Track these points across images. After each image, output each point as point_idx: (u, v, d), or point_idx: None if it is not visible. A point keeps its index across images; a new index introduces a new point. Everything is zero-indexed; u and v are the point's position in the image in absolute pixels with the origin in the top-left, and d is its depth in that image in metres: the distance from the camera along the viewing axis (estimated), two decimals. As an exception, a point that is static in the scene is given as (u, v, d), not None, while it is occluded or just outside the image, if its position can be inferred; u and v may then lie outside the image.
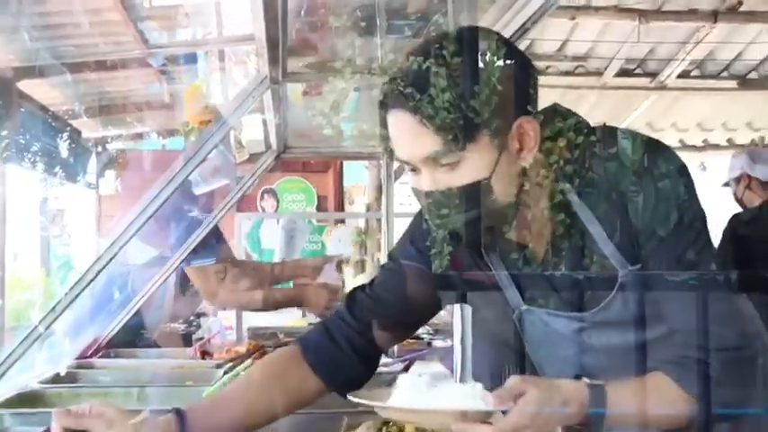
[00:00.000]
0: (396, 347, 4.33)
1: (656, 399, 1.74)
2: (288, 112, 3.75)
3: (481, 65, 1.65)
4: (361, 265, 5.52)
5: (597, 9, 7.54)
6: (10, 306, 6.11)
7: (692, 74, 9.13)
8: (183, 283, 4.73)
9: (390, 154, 1.79)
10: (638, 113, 9.35)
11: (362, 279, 4.79)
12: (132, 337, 4.42)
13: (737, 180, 4.63)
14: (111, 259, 2.80)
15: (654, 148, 1.76)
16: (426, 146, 1.65)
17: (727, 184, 4.75)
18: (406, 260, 2.06)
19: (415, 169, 1.73)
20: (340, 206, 10.73)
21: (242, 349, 3.87)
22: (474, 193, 1.68)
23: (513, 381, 1.67)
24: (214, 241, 4.47)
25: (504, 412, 1.61)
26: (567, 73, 8.70)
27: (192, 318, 5.26)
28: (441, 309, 2.17)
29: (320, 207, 10.81)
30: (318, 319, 4.18)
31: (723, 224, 4.53)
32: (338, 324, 2.06)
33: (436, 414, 1.65)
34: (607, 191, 1.71)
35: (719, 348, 1.68)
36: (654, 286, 1.71)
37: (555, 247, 1.81)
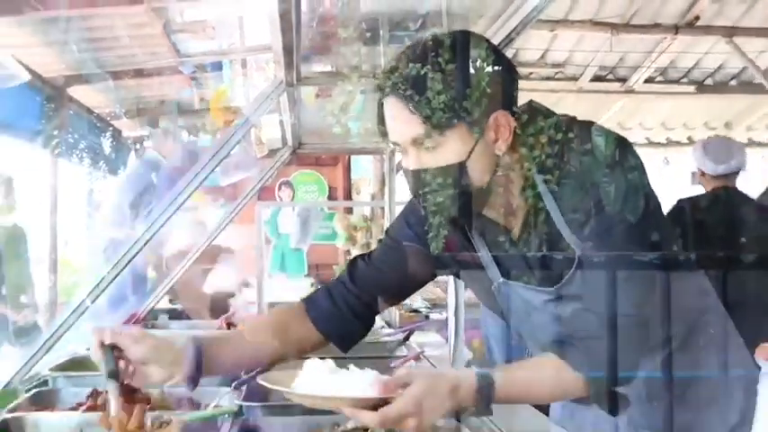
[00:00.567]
0: (397, 320, 4.34)
1: (545, 377, 1.74)
2: (302, 113, 3.74)
3: (463, 64, 1.67)
4: (367, 248, 5.51)
5: (574, 22, 7.61)
6: (61, 284, 6.12)
7: (656, 79, 9.18)
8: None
9: (385, 136, 1.80)
10: (610, 114, 9.37)
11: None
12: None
13: (696, 171, 4.62)
14: (146, 242, 2.79)
15: (623, 144, 1.74)
16: (413, 129, 1.68)
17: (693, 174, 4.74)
18: (400, 237, 2.07)
19: (404, 151, 1.76)
20: (348, 196, 10.73)
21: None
22: (451, 174, 1.70)
23: (402, 371, 1.67)
24: None
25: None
26: (547, 78, 8.74)
27: (218, 292, 5.25)
28: (429, 280, 2.18)
29: (331, 197, 10.80)
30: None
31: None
32: (339, 287, 2.08)
33: (331, 400, 1.64)
34: (582, 181, 1.69)
35: (615, 324, 1.68)
36: (605, 265, 1.70)
37: (525, 228, 1.81)
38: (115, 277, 2.78)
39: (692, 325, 1.88)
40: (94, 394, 2.28)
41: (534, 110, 1.81)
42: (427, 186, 1.73)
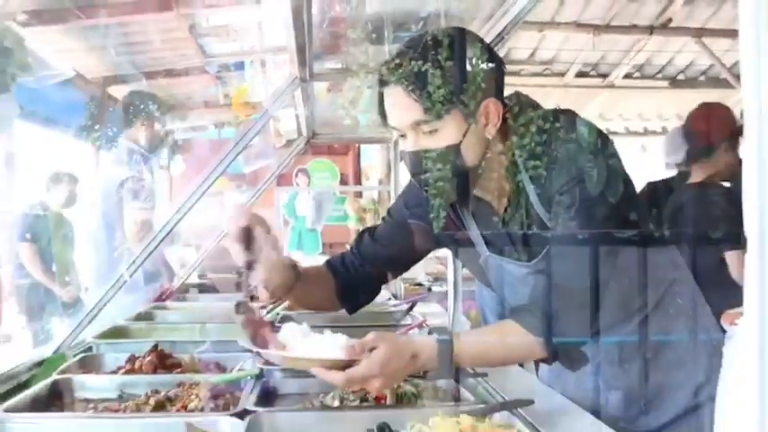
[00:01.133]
0: (402, 292, 4.33)
1: (502, 341, 1.73)
2: (315, 106, 3.73)
3: (458, 57, 1.66)
4: (375, 228, 5.50)
5: (560, 24, 7.66)
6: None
7: (634, 75, 9.20)
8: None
9: (385, 121, 1.79)
10: (593, 106, 9.36)
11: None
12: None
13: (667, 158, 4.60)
14: (177, 223, 2.80)
15: (602, 133, 1.74)
16: (412, 114, 1.68)
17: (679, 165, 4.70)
18: (399, 216, 2.09)
19: (403, 135, 1.75)
20: (358, 181, 10.72)
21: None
22: (446, 155, 1.70)
23: (369, 336, 1.67)
24: None
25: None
26: (536, 74, 8.75)
27: (242, 270, 5.24)
28: (425, 255, 2.19)
29: (342, 182, 10.78)
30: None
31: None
32: (349, 257, 2.11)
33: (301, 360, 1.63)
34: (565, 166, 1.68)
35: (574, 291, 1.68)
36: (579, 243, 1.69)
37: (511, 208, 1.81)
38: (149, 255, 2.79)
39: (662, 294, 1.87)
40: (132, 359, 2.29)
41: (522, 101, 1.81)
42: (424, 166, 1.72)
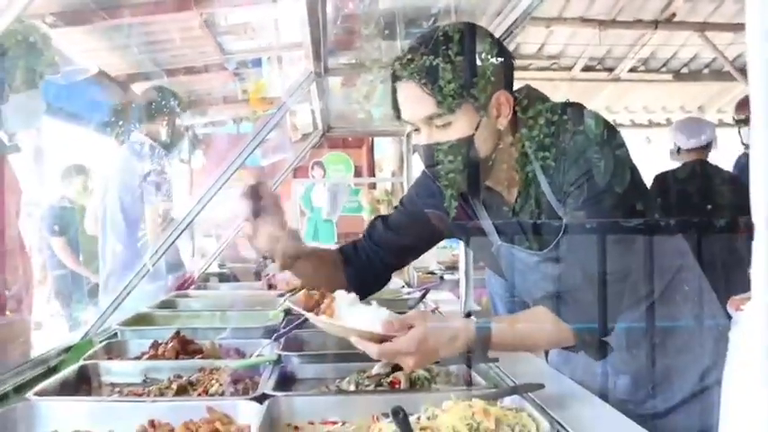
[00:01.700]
0: (415, 280, 4.33)
1: (536, 328, 1.72)
2: (330, 101, 3.72)
3: (469, 52, 1.64)
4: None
5: (566, 19, 7.63)
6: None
7: (639, 69, 9.16)
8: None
9: (398, 115, 1.77)
10: (599, 100, 9.33)
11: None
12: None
13: (674, 147, 4.58)
14: (197, 215, 2.80)
15: (610, 125, 1.72)
16: (425, 108, 1.66)
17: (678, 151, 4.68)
18: (411, 206, 2.07)
19: (417, 128, 1.73)
20: (372, 173, 10.71)
21: (298, 283, 3.85)
22: (459, 147, 1.68)
23: (411, 313, 1.65)
24: None
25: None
26: (544, 68, 8.73)
27: (260, 259, 5.26)
28: (435, 243, 2.18)
29: (357, 174, 10.78)
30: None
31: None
32: (362, 244, 2.10)
33: (342, 328, 1.62)
34: (575, 158, 1.67)
35: (598, 282, 1.66)
36: (590, 231, 1.67)
37: (522, 198, 1.79)
38: (170, 245, 2.80)
39: (669, 282, 1.86)
40: (155, 345, 2.29)
41: (531, 94, 1.79)
42: (438, 159, 1.71)
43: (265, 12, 5.22)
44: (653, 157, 5.06)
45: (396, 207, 2.17)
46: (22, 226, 3.01)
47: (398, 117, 1.77)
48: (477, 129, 1.67)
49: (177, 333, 2.35)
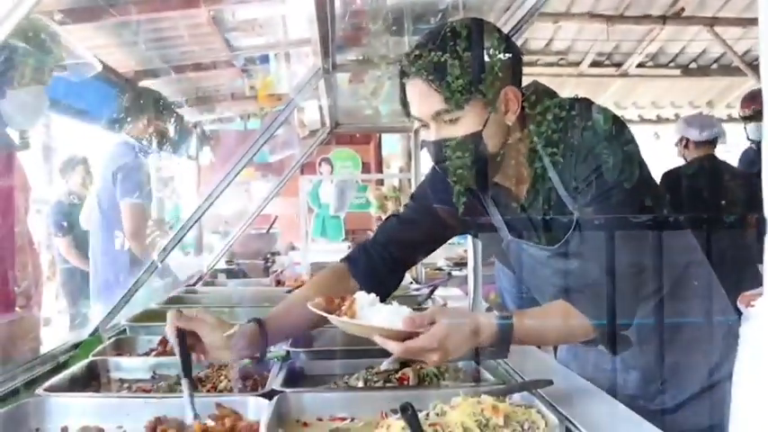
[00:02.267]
0: (423, 276, 4.33)
1: (557, 322, 1.71)
2: (337, 97, 3.72)
3: (477, 48, 1.64)
4: (396, 214, 5.50)
5: (574, 15, 7.62)
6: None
7: (647, 64, 9.14)
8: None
9: (407, 112, 1.76)
10: (607, 95, 9.31)
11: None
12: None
13: (679, 141, 4.57)
14: (205, 211, 2.81)
15: (618, 120, 1.71)
16: (434, 105, 1.65)
17: (676, 144, 4.68)
18: (423, 201, 2.04)
19: (425, 125, 1.73)
20: (379, 169, 10.70)
21: (306, 279, 3.87)
22: (468, 143, 1.68)
23: (432, 309, 1.64)
24: None
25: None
26: (552, 64, 8.72)
27: (268, 255, 5.28)
28: (449, 238, 2.15)
29: (364, 170, 10.77)
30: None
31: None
32: (374, 245, 2.04)
33: (365, 327, 1.60)
34: (585, 153, 1.66)
35: (613, 276, 1.64)
36: (601, 227, 1.66)
37: (532, 194, 1.79)
38: (178, 242, 2.80)
39: (678, 277, 1.85)
40: (164, 341, 2.30)
41: (539, 90, 1.78)
42: (446, 155, 1.70)
43: (273, 8, 5.22)
44: (661, 153, 5.04)
45: (406, 204, 2.16)
46: (31, 222, 3.02)
47: (407, 114, 1.76)
48: (485, 125, 1.67)
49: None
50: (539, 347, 2.17)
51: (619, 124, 1.70)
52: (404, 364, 1.89)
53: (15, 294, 2.70)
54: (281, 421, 1.62)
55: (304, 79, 2.95)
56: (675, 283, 1.85)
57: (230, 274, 4.62)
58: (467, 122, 1.66)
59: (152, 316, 2.89)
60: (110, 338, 2.43)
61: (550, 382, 1.71)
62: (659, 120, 10.18)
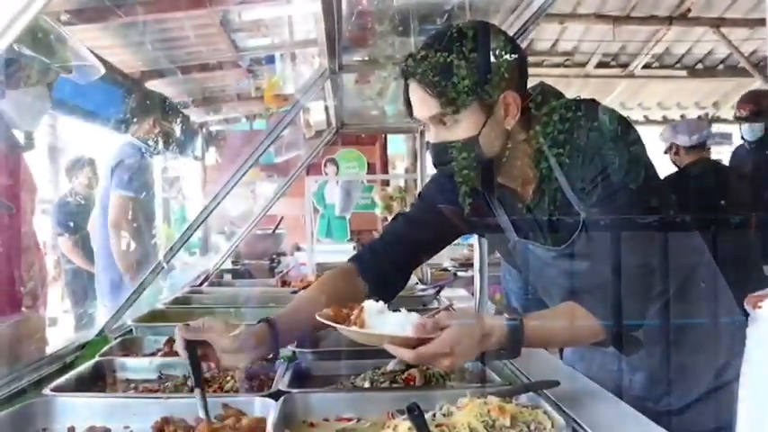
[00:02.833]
0: (429, 277, 4.33)
1: (567, 324, 1.70)
2: (344, 97, 3.72)
3: (475, 52, 1.64)
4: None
5: (580, 16, 7.62)
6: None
7: (653, 65, 9.14)
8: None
9: (411, 113, 1.77)
10: (613, 96, 9.31)
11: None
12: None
13: (669, 149, 4.59)
14: (211, 212, 2.81)
15: (624, 121, 1.71)
16: (431, 108, 1.67)
17: (666, 152, 4.68)
18: (431, 201, 2.04)
19: (426, 126, 1.75)
20: (385, 170, 10.69)
21: (312, 279, 3.87)
22: (465, 147, 1.69)
23: (440, 314, 1.64)
24: None
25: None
26: (558, 65, 8.72)
27: (274, 256, 5.29)
28: (455, 238, 2.16)
29: (370, 171, 10.76)
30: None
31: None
32: (382, 245, 2.06)
33: (375, 336, 1.59)
34: (590, 155, 1.66)
35: (621, 277, 1.64)
36: (608, 228, 1.66)
37: (538, 195, 1.78)
38: (184, 242, 2.81)
39: (685, 279, 1.85)
40: (170, 342, 2.30)
41: (546, 91, 1.78)
42: (445, 157, 1.72)
43: (279, 9, 5.23)
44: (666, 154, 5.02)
45: (412, 204, 2.16)
46: (37, 223, 3.03)
47: (410, 114, 1.77)
48: (482, 129, 1.67)
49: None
50: (545, 349, 2.17)
51: (625, 125, 1.69)
52: (410, 364, 1.89)
53: (22, 294, 2.71)
54: (288, 422, 1.62)
55: (310, 80, 2.95)
56: (682, 284, 1.85)
57: (236, 274, 4.62)
58: (463, 126, 1.67)
59: (158, 316, 2.90)
60: (116, 339, 2.44)
61: (557, 383, 1.70)
62: (665, 121, 10.18)
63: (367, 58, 3.11)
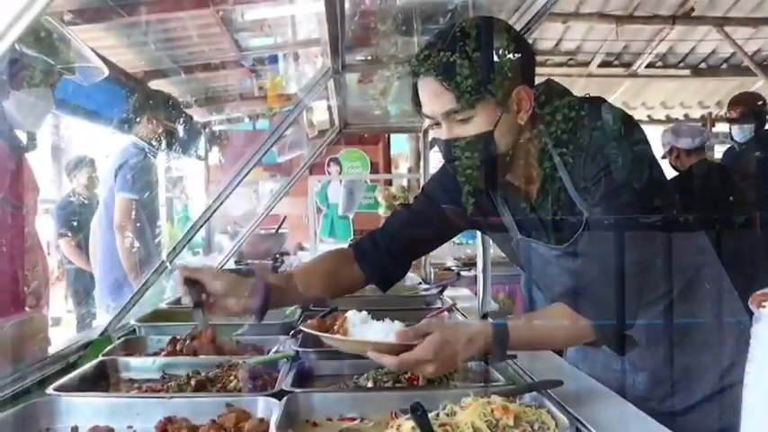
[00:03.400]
0: (432, 277, 4.33)
1: (555, 325, 1.70)
2: (347, 97, 3.71)
3: (490, 47, 1.64)
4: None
5: (583, 15, 7.60)
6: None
7: (656, 64, 9.13)
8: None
9: (419, 111, 1.77)
10: (616, 95, 9.29)
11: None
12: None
13: (669, 152, 4.60)
14: (214, 211, 2.81)
15: (628, 120, 1.71)
16: (446, 104, 1.66)
17: (664, 157, 4.68)
18: (433, 196, 2.05)
19: (437, 123, 1.73)
20: (388, 170, 10.68)
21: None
22: (480, 142, 1.68)
23: (423, 321, 1.65)
24: None
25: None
26: (561, 64, 8.71)
27: (277, 255, 5.29)
28: (456, 234, 2.17)
29: (373, 171, 10.75)
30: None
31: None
32: (382, 235, 2.08)
33: (358, 343, 1.62)
34: (594, 154, 1.66)
35: (617, 277, 1.65)
36: (611, 227, 1.66)
37: (542, 193, 1.78)
38: (188, 242, 2.81)
39: (690, 279, 1.84)
40: (174, 341, 2.30)
41: (551, 89, 1.78)
42: (458, 154, 1.70)
43: (282, 8, 5.23)
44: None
45: (416, 197, 2.16)
46: (39, 223, 3.04)
47: (419, 112, 1.76)
48: (497, 124, 1.67)
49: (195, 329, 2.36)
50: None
51: (629, 124, 1.69)
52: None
53: (25, 294, 2.71)
54: (291, 421, 1.62)
55: (313, 79, 2.95)
56: (687, 284, 1.84)
57: (239, 274, 4.62)
58: (479, 122, 1.66)
59: (161, 316, 2.90)
60: (119, 338, 2.44)
61: (560, 383, 1.70)
62: (669, 120, 10.16)
63: (370, 58, 3.11)
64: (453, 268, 5.30)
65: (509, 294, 5.13)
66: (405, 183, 9.45)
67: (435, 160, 4.80)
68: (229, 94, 7.36)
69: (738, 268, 2.00)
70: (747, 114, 4.76)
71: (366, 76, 3.35)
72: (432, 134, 1.81)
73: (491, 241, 2.53)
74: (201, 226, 2.86)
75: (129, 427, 1.64)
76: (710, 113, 10.02)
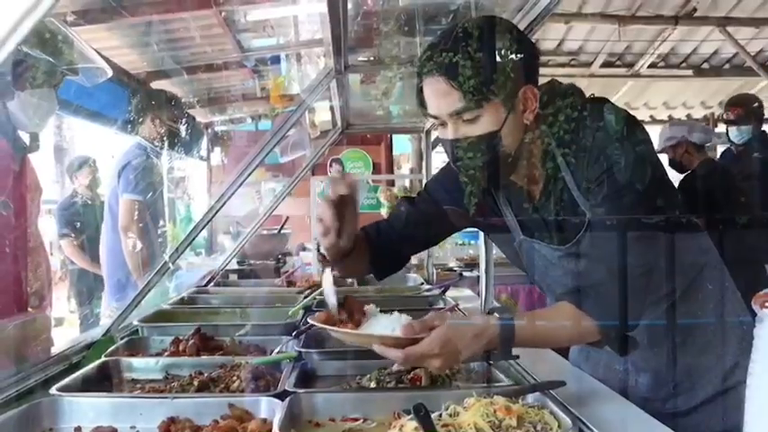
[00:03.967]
0: (435, 277, 4.33)
1: (560, 324, 1.70)
2: (349, 97, 3.71)
3: (496, 47, 1.63)
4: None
5: (586, 15, 7.60)
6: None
7: (659, 65, 9.12)
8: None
9: (424, 112, 1.76)
10: (619, 96, 9.29)
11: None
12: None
13: (676, 146, 4.57)
14: (216, 212, 2.81)
15: (631, 120, 1.71)
16: (453, 103, 1.65)
17: (662, 151, 4.66)
18: (435, 194, 2.06)
19: (443, 123, 1.72)
20: (390, 170, 10.68)
21: (318, 279, 3.87)
22: (486, 142, 1.68)
23: (430, 315, 1.66)
24: None
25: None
26: (563, 65, 8.71)
27: (279, 256, 5.29)
28: (454, 232, 2.18)
29: (375, 171, 10.75)
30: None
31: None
32: (384, 225, 2.10)
33: (364, 337, 1.62)
34: (596, 154, 1.66)
35: (621, 278, 1.64)
36: (613, 227, 1.66)
37: (545, 194, 1.78)
38: (190, 242, 2.81)
39: (692, 279, 1.84)
40: (176, 342, 2.31)
41: (555, 90, 1.77)
42: (464, 154, 1.70)
43: (285, 9, 5.23)
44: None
45: (419, 192, 2.16)
46: (42, 223, 3.04)
47: (425, 112, 1.76)
48: (504, 123, 1.67)
49: (198, 330, 2.36)
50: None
51: (632, 124, 1.69)
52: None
53: (28, 295, 2.71)
54: (294, 422, 1.62)
55: (315, 80, 2.95)
56: (689, 285, 1.84)
57: (241, 274, 4.62)
58: (485, 121, 1.66)
59: (164, 316, 2.90)
60: (122, 339, 2.44)
61: (563, 383, 1.70)
62: (671, 121, 10.16)
63: (372, 59, 3.10)
64: (456, 269, 5.31)
65: (511, 295, 5.13)
66: (407, 183, 9.44)
67: (438, 161, 4.80)
68: (232, 94, 7.36)
69: (741, 269, 2.00)
70: (744, 116, 4.76)
71: (368, 76, 3.35)
72: (436, 135, 1.80)
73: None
74: (204, 226, 2.86)
75: (132, 427, 1.65)
76: (713, 114, 10.02)
